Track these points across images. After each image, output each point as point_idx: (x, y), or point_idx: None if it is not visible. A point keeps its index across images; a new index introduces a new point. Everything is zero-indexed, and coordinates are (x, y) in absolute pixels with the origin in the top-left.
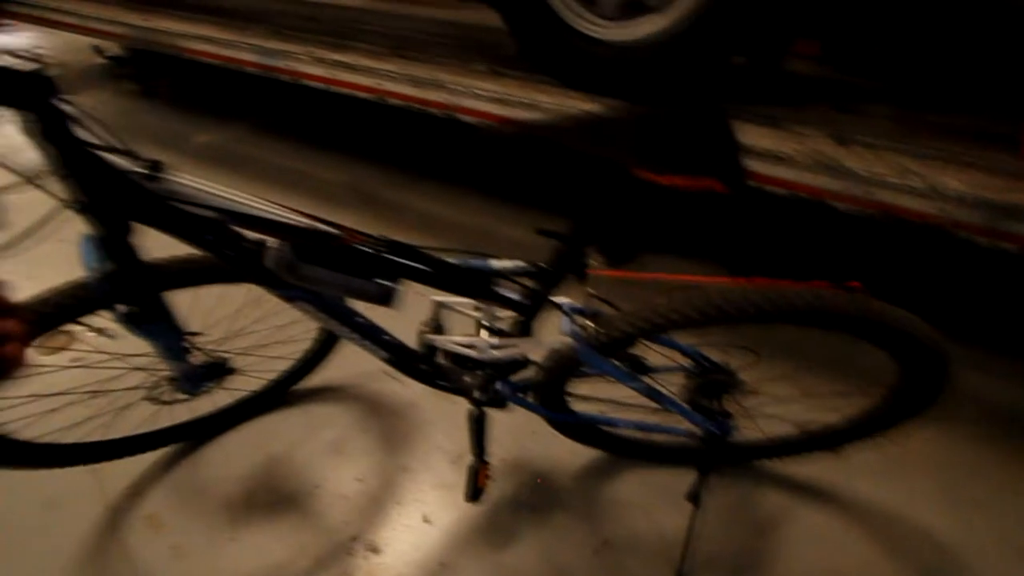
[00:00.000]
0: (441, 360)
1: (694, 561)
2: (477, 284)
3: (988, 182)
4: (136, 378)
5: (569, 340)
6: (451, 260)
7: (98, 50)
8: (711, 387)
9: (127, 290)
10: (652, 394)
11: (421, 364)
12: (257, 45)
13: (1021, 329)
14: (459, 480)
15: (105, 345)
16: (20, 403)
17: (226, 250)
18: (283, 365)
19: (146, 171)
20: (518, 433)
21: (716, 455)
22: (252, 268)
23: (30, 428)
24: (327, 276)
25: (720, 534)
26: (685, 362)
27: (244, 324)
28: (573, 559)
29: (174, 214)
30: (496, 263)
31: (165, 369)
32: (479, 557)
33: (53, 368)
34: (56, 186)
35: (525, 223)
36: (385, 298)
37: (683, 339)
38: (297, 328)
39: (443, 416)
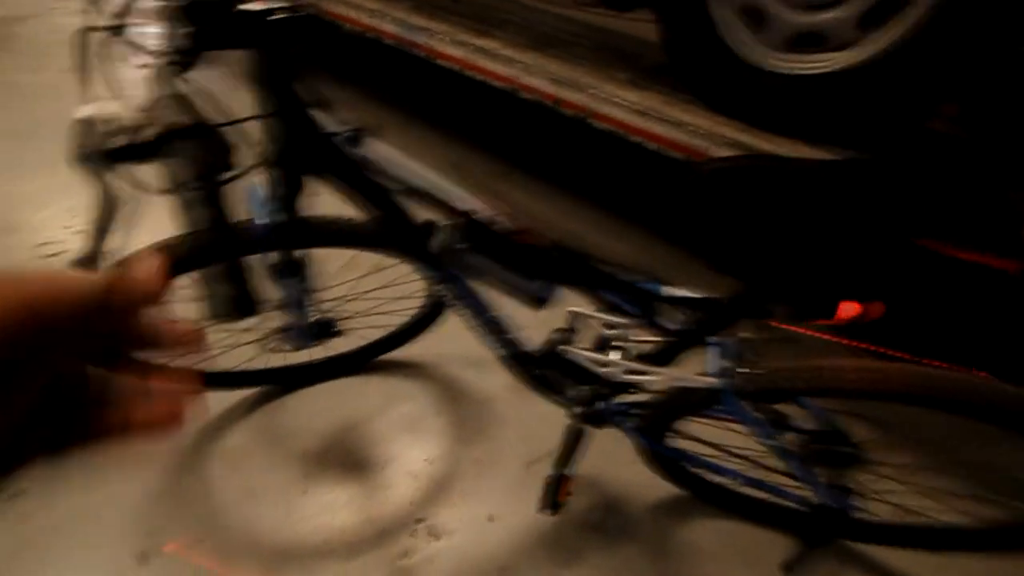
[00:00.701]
0: (556, 368)
1: None
2: (643, 306)
3: None
4: (252, 321)
5: (715, 381)
6: (619, 276)
7: None
8: (836, 458)
9: (283, 241)
10: (782, 453)
11: (535, 368)
12: (401, 19)
13: None
14: (529, 485)
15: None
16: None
17: (397, 222)
18: (378, 333)
19: (350, 135)
20: (597, 452)
21: (828, 529)
22: (414, 244)
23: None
24: (488, 267)
25: None
26: (815, 425)
27: (352, 288)
28: None
29: (362, 181)
30: (666, 288)
31: (278, 320)
32: (540, 569)
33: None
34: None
35: (632, 238)
36: (539, 301)
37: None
38: (401, 303)
39: (519, 417)
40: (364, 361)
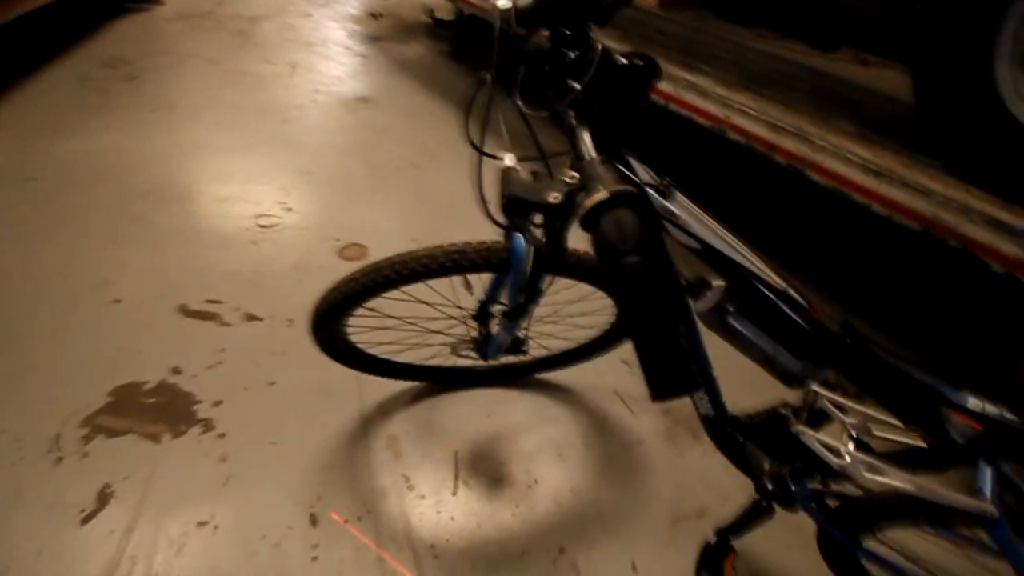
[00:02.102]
0: (769, 440)
1: None
2: (917, 406)
3: None
4: (446, 325)
5: (986, 507)
6: (911, 373)
7: (428, 10)
8: None
9: (543, 265)
10: None
11: (735, 433)
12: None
13: None
14: (675, 541)
15: (454, 297)
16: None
17: (668, 278)
18: (545, 352)
19: (661, 187)
20: (770, 535)
21: None
22: (673, 298)
23: (356, 335)
24: (750, 335)
25: None
26: None
27: (549, 310)
28: None
29: (655, 232)
30: (952, 391)
31: (476, 330)
32: None
33: (404, 299)
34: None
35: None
36: (795, 379)
37: None
38: (580, 329)
39: (669, 468)
40: (524, 375)
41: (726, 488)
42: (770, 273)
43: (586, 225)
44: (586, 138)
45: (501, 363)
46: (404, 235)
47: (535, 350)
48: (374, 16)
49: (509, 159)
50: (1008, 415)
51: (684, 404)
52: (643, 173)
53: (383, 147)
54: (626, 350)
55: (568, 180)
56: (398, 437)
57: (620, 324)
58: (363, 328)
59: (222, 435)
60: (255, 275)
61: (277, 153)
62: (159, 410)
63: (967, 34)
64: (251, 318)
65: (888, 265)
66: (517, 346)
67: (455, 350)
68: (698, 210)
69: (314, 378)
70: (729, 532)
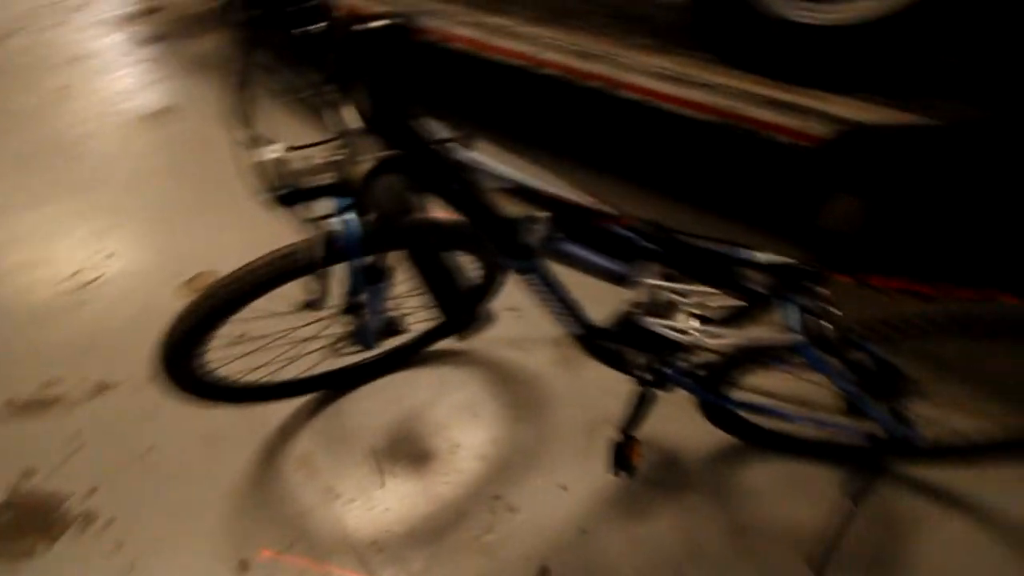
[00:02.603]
0: (629, 339)
1: (833, 556)
2: (724, 272)
3: None
4: (317, 329)
5: (794, 336)
6: (712, 248)
7: None
8: (897, 392)
9: (380, 244)
10: (855, 396)
11: (605, 341)
12: (403, 2)
13: None
14: (593, 451)
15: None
16: (226, 345)
17: (493, 224)
18: (425, 325)
19: (458, 141)
20: (653, 414)
21: (887, 455)
22: (507, 241)
23: (224, 369)
24: (581, 254)
25: (856, 532)
26: (876, 365)
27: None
28: (709, 539)
29: (463, 186)
30: (747, 253)
31: (347, 322)
32: (617, 526)
33: (259, 315)
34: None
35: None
36: (625, 279)
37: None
38: None
39: (571, 389)
40: (412, 354)
41: (623, 390)
42: (580, 195)
43: (361, 195)
44: (348, 110)
45: (389, 348)
46: (254, 247)
47: (419, 324)
48: (150, 11)
49: (278, 148)
50: (790, 261)
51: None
52: (439, 130)
53: (201, 159)
54: (508, 298)
55: (338, 157)
56: (309, 454)
57: (487, 277)
58: (229, 358)
59: (110, 522)
60: (91, 340)
61: (77, 195)
62: (22, 523)
63: None
64: (102, 388)
65: (705, 158)
66: (395, 327)
67: (335, 350)
68: (498, 157)
69: (196, 428)
70: (628, 425)
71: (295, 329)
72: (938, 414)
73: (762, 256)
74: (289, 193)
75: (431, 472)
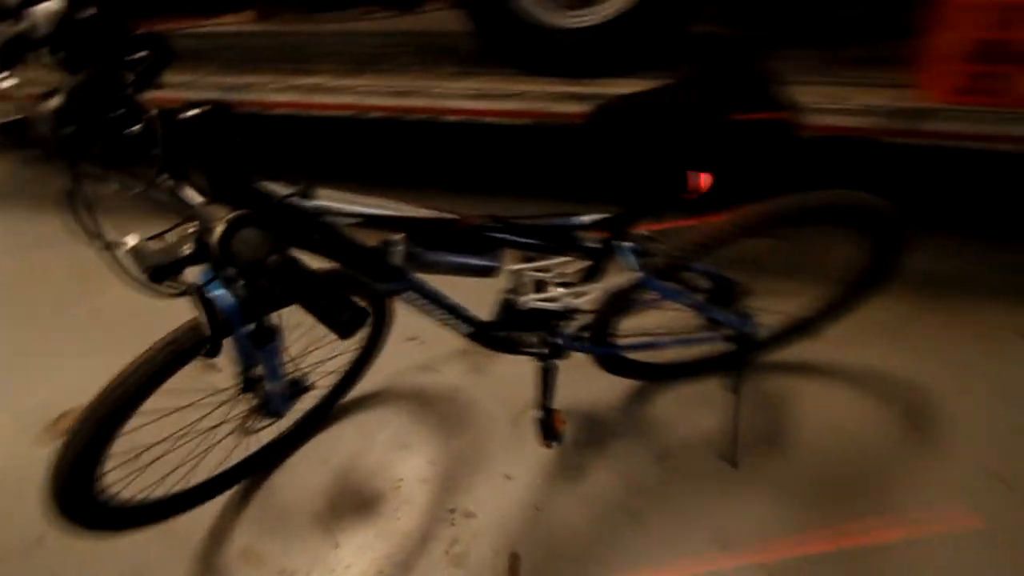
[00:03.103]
0: (514, 324)
1: (737, 445)
2: (564, 240)
3: (898, 95)
4: (221, 414)
5: (635, 273)
6: (542, 223)
7: None
8: (732, 297)
9: (260, 308)
10: (699, 307)
11: (496, 332)
12: (215, 82)
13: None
14: (523, 437)
15: (203, 384)
16: (124, 463)
17: (357, 255)
18: (331, 379)
19: (302, 192)
20: (561, 382)
21: (746, 350)
22: (379, 268)
23: (128, 490)
24: (445, 259)
25: (747, 419)
26: (709, 280)
27: (305, 339)
28: (642, 473)
29: (322, 230)
30: (575, 218)
31: (251, 397)
32: (564, 492)
33: (152, 418)
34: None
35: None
36: (490, 270)
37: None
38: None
39: (486, 390)
40: (328, 409)
41: (531, 374)
42: (426, 209)
43: (225, 257)
44: (188, 191)
45: (303, 411)
46: (116, 366)
47: (327, 378)
48: None
49: (132, 238)
50: (609, 214)
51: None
52: (278, 189)
53: (20, 295)
54: (407, 329)
55: (191, 230)
56: (249, 546)
57: (377, 313)
58: (131, 476)
59: None
60: None
61: None
62: None
63: None
64: None
65: (539, 157)
66: (300, 386)
67: (246, 431)
68: (342, 195)
69: (112, 570)
70: (543, 400)
71: (196, 422)
72: (768, 304)
73: (587, 218)
74: (156, 270)
75: (382, 514)
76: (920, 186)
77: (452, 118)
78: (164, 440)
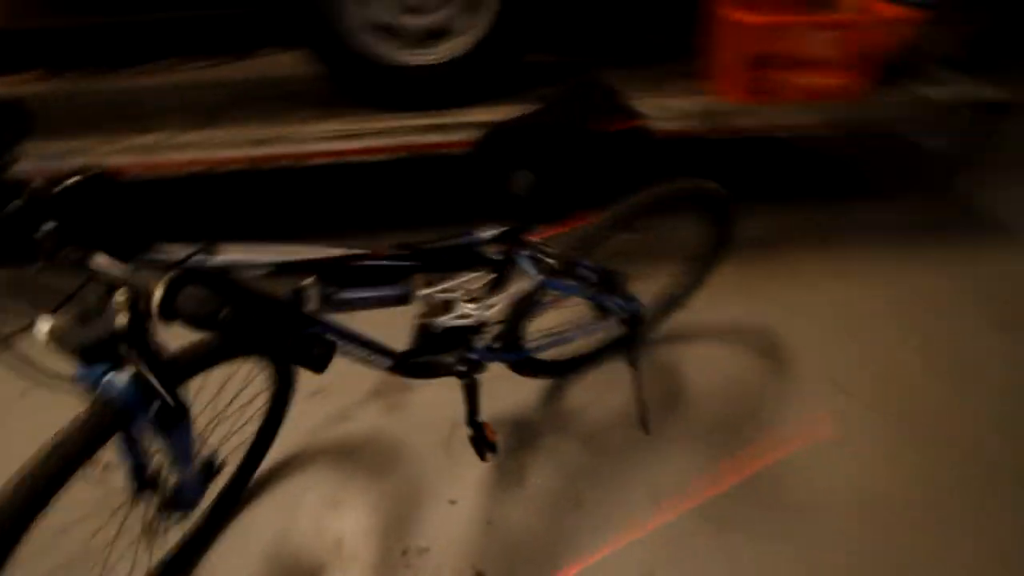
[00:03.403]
0: (431, 349)
1: (647, 412)
2: (469, 256)
3: (706, 100)
4: (117, 523)
5: (536, 277)
6: (447, 244)
7: None
8: (615, 285)
9: (160, 385)
10: (593, 298)
11: (415, 359)
12: (41, 150)
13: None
14: (457, 459)
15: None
16: None
17: (274, 309)
18: (240, 454)
19: (202, 251)
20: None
21: (636, 329)
22: (294, 318)
23: None
24: (360, 295)
25: (649, 388)
26: (595, 273)
27: (211, 410)
28: (575, 459)
29: (230, 287)
30: (477, 235)
31: (150, 495)
32: (510, 499)
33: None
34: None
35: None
36: (405, 298)
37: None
38: (252, 405)
39: (407, 424)
40: (242, 489)
41: (451, 395)
42: (329, 250)
43: (169, 317)
44: (102, 259)
45: (213, 498)
46: None
47: (235, 453)
48: None
49: (44, 321)
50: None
51: (379, 380)
52: (180, 251)
53: None
54: (308, 384)
55: (122, 298)
56: None
57: (281, 371)
58: None
59: None
60: None
61: None
62: None
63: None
64: None
65: (419, 186)
66: (212, 469)
67: (150, 535)
68: (248, 245)
69: None
70: (471, 417)
71: (93, 537)
72: (645, 287)
73: (487, 233)
74: (87, 349)
75: None
76: (737, 169)
77: (317, 161)
78: (61, 566)
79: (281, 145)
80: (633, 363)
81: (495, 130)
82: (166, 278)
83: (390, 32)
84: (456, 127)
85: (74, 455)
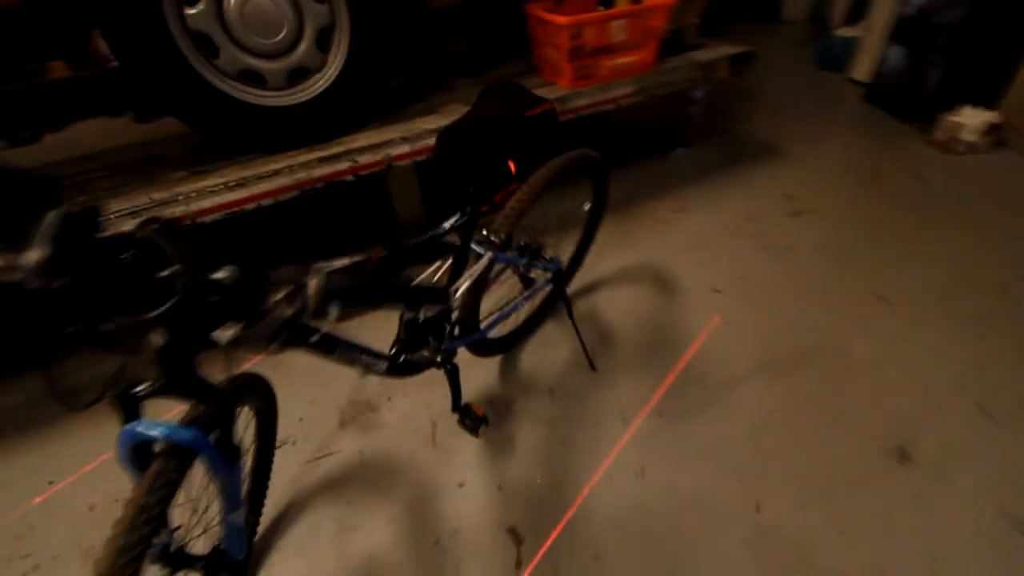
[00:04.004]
0: (415, 343)
1: (590, 354)
2: (438, 247)
3: (550, 90)
4: None
5: (487, 254)
6: (423, 238)
7: None
8: (538, 251)
9: (214, 417)
10: (528, 264)
11: (404, 357)
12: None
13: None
14: (448, 449)
15: None
16: None
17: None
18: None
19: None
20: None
21: (563, 284)
22: (298, 331)
23: None
24: (367, 297)
25: (586, 335)
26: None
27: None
28: (548, 410)
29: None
30: (440, 227)
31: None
32: (513, 463)
33: None
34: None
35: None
36: (403, 293)
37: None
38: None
39: (388, 438)
40: (250, 550)
41: (419, 399)
42: (335, 262)
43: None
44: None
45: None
46: None
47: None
48: None
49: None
50: (458, 216)
51: (341, 409)
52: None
53: None
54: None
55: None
56: None
57: (263, 419)
58: None
59: None
60: None
61: None
62: None
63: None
64: None
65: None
66: (256, 514)
67: None
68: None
69: None
70: (456, 402)
71: None
72: (556, 250)
73: (447, 223)
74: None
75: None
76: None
77: (211, 217)
78: None
79: (168, 208)
80: (569, 314)
81: (443, 136)
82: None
83: (257, 80)
84: (340, 156)
85: (154, 510)
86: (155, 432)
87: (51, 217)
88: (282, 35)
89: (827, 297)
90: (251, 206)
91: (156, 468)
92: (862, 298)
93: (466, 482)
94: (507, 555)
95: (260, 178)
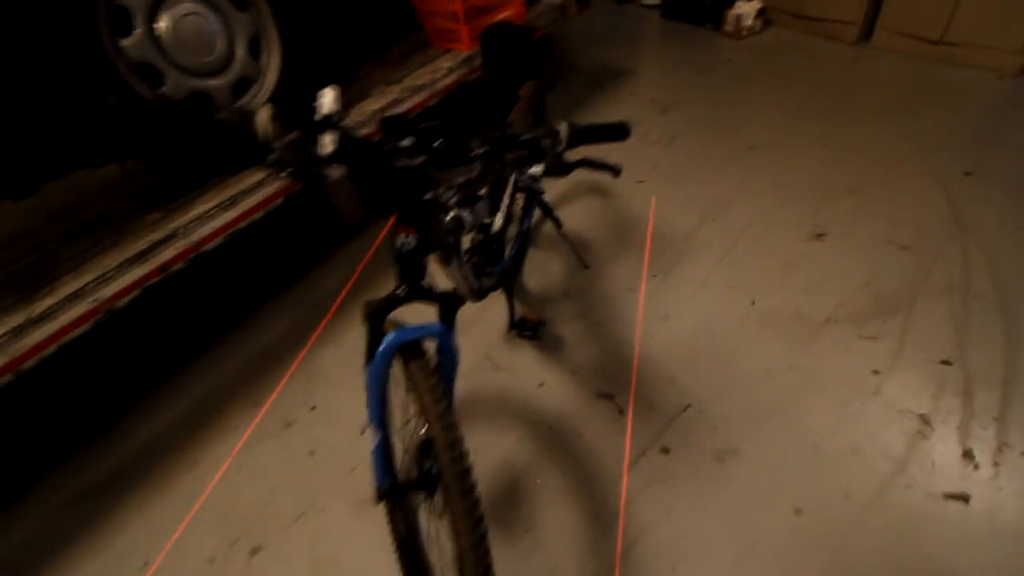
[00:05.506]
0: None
1: (580, 252)
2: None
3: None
4: None
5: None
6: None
7: None
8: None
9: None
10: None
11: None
12: None
13: None
14: (512, 368)
15: None
16: None
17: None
18: None
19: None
20: (464, 329)
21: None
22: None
23: None
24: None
25: (569, 239)
26: None
27: None
28: (569, 309)
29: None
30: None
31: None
32: (566, 354)
33: None
34: None
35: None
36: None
37: None
38: None
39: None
40: None
41: (470, 337)
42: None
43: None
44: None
45: None
46: None
47: None
48: None
49: None
50: None
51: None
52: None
53: None
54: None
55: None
56: None
57: None
58: None
59: None
60: None
61: None
62: None
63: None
64: None
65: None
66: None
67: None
68: None
69: None
70: (513, 317)
71: None
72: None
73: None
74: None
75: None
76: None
77: (213, 243)
78: None
79: (167, 249)
80: (558, 225)
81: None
82: None
83: (205, 100)
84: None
85: None
86: (422, 333)
87: None
88: (218, 49)
89: (715, 158)
90: (245, 223)
91: (428, 357)
92: (737, 150)
93: (545, 381)
94: (608, 409)
95: (241, 193)
